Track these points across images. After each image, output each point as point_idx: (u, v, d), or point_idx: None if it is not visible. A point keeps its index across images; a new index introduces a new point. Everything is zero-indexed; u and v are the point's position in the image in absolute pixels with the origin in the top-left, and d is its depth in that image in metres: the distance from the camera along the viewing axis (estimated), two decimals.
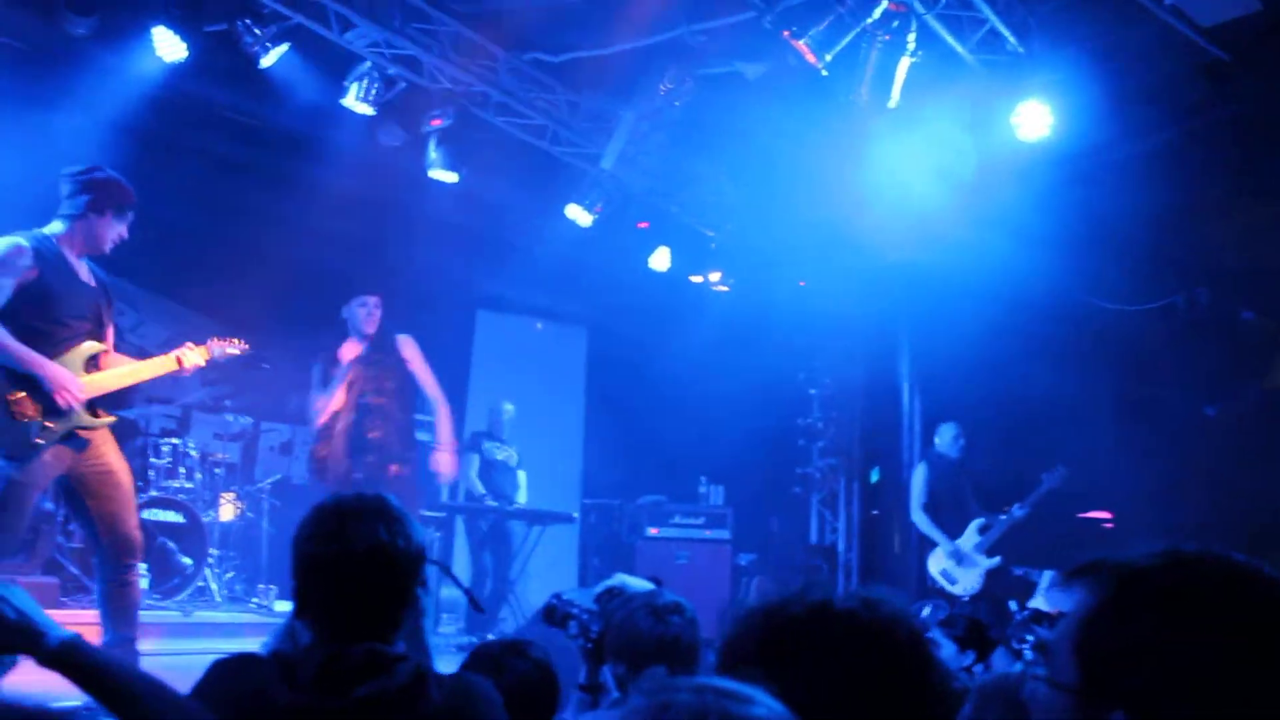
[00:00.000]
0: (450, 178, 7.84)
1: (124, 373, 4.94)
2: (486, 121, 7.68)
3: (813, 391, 10.72)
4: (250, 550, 8.60)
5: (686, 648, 2.86)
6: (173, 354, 5.14)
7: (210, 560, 7.92)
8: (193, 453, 8.25)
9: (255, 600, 8.15)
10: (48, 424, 4.56)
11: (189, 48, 6.63)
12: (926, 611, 7.30)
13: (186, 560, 7.66)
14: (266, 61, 6.78)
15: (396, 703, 2.07)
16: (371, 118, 7.45)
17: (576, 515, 9.89)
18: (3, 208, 8.69)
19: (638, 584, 3.18)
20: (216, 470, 8.46)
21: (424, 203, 8.81)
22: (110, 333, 4.94)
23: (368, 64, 7.09)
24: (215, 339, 5.33)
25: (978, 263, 7.95)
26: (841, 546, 10.43)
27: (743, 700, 1.15)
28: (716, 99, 7.55)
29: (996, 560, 7.98)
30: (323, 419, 6.32)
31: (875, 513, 10.32)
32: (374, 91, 7.16)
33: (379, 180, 8.53)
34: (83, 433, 4.66)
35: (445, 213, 8.97)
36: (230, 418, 8.93)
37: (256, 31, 6.64)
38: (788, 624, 1.46)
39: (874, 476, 10.40)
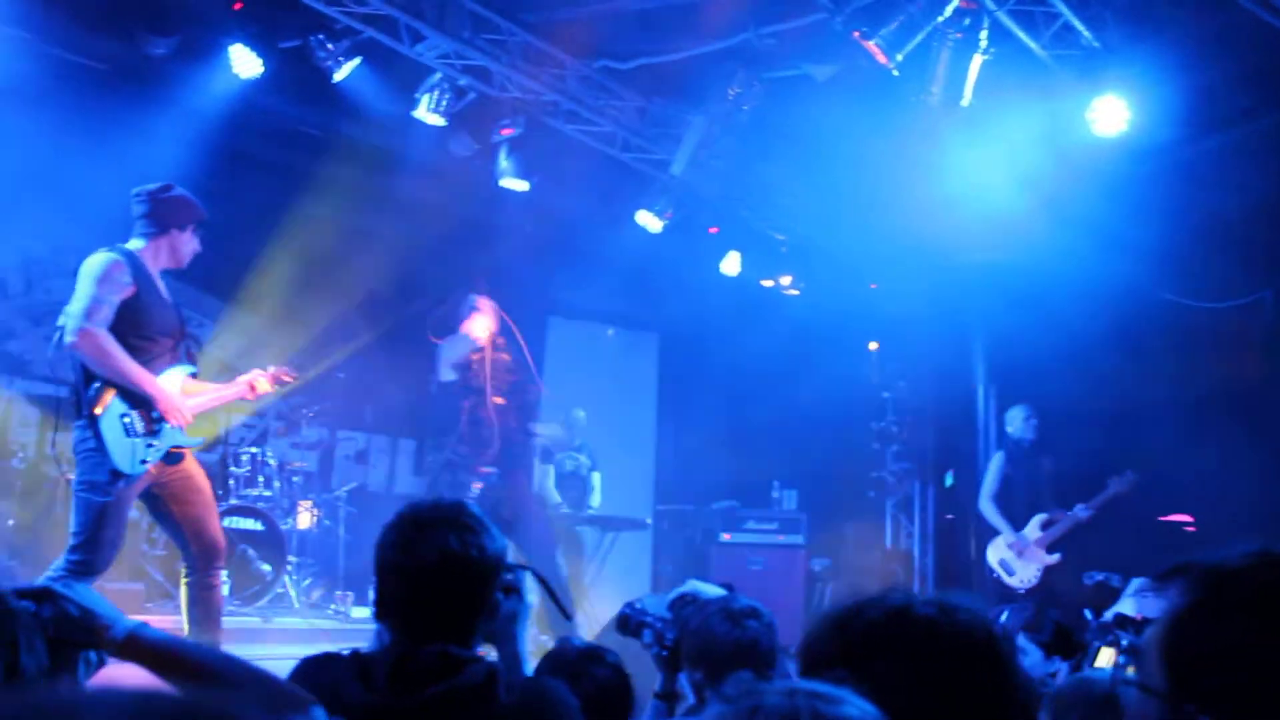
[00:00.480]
0: (521, 186, 7.90)
1: (213, 397, 5.11)
2: (556, 129, 7.72)
3: (886, 395, 10.61)
4: (328, 557, 8.71)
5: (764, 652, 2.84)
6: (245, 380, 5.30)
7: (289, 567, 8.04)
8: (271, 461, 8.38)
9: (333, 607, 8.26)
10: (153, 442, 4.69)
11: (264, 64, 6.75)
12: (1005, 616, 7.21)
13: (265, 567, 7.78)
14: (339, 76, 6.89)
15: (465, 702, 2.10)
16: (442, 128, 7.53)
17: (649, 521, 9.90)
18: (86, 224, 8.95)
19: (710, 590, 3.17)
20: (294, 478, 8.58)
21: (495, 211, 8.89)
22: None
23: (438, 75, 7.17)
24: (273, 367, 5.45)
25: (1054, 262, 7.82)
26: (917, 551, 10.31)
27: (833, 701, 1.15)
28: (786, 102, 7.51)
29: (1056, 557, 7.85)
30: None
31: (950, 517, 10.18)
32: (445, 102, 7.24)
33: (450, 190, 8.61)
34: (176, 450, 4.78)
35: (516, 221, 9.04)
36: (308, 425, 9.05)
37: (329, 47, 6.76)
38: (866, 628, 1.45)
39: (949, 480, 10.27)
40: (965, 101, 6.13)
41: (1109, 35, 6.04)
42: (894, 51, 5.79)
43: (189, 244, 5.01)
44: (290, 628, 7.47)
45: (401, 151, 8.14)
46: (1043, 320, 8.08)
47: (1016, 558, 7.97)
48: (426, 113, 7.26)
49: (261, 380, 5.30)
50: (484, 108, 7.51)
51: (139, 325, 4.71)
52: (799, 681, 1.20)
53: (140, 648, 1.96)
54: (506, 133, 7.62)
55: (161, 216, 4.92)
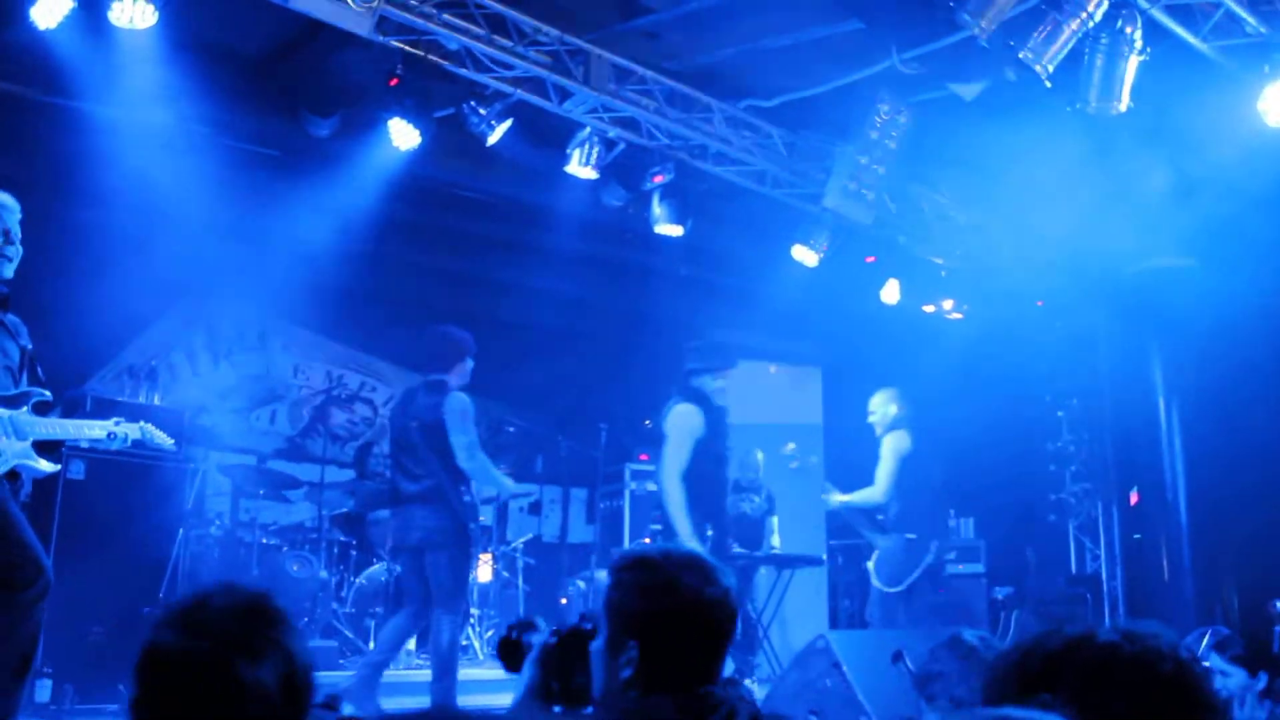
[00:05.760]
0: (675, 231, 7.95)
1: None
2: (706, 172, 7.79)
3: (1060, 414, 10.28)
4: (508, 608, 8.87)
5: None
6: None
7: (471, 619, 8.20)
8: None
9: None
10: None
11: (421, 134, 6.99)
12: (1206, 640, 6.85)
13: None
14: (493, 139, 7.06)
15: None
16: (594, 180, 7.67)
17: (824, 557, 9.78)
18: (265, 301, 9.42)
19: None
20: None
21: (651, 257, 9.00)
22: None
23: (587, 130, 7.32)
24: None
25: (1230, 264, 7.49)
26: (1105, 575, 9.92)
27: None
28: (934, 124, 7.43)
29: None
30: None
31: (1138, 537, 9.76)
32: (595, 155, 7.38)
33: (605, 240, 8.76)
34: None
35: (672, 265, 9.14)
36: None
37: (481, 111, 6.95)
38: (1045, 659, 1.43)
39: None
40: (1123, 106, 5.95)
41: (1277, 20, 5.79)
42: (1044, 61, 5.68)
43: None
44: (476, 678, 7.59)
45: (555, 206, 8.30)
46: (1225, 325, 7.74)
47: None
48: (578, 167, 7.41)
49: None
50: (633, 156, 7.62)
51: None
52: (994, 709, 1.19)
53: None
54: (658, 179, 7.69)
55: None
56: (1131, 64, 5.80)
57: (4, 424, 4.22)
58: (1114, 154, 6.98)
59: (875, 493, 7.67)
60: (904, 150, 7.54)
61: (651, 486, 9.72)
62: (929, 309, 9.42)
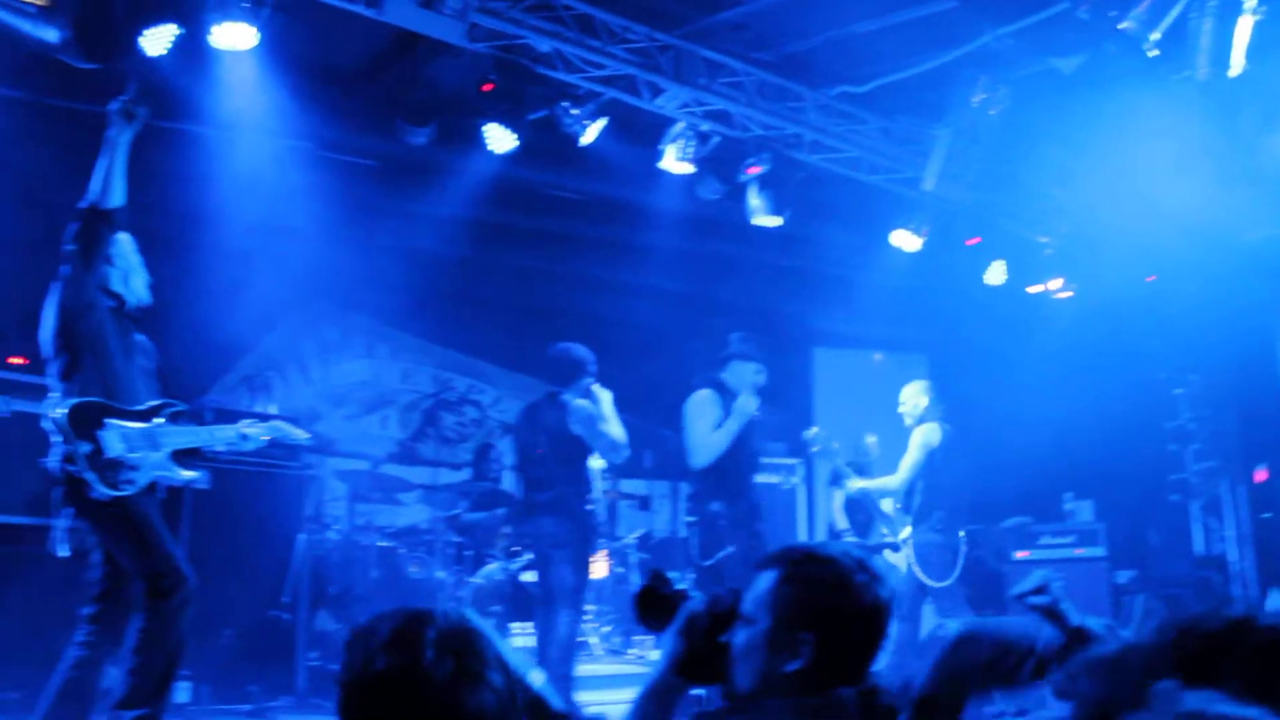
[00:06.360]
0: (774, 222, 7.88)
1: None
2: (802, 161, 7.73)
3: (1178, 391, 9.97)
4: (624, 604, 8.91)
5: None
6: None
7: (588, 615, 8.27)
8: None
9: (633, 651, 8.44)
10: None
11: (517, 138, 7.06)
12: None
13: None
14: (586, 139, 7.09)
15: None
16: (690, 175, 7.66)
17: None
18: (371, 308, 9.62)
19: None
20: None
21: (750, 250, 8.96)
22: None
23: (681, 124, 7.32)
24: None
25: None
26: (1233, 556, 9.59)
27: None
28: (1033, 100, 7.26)
29: None
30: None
31: (1267, 515, 9.43)
32: (690, 150, 7.38)
33: (704, 234, 8.75)
34: None
35: (772, 256, 9.09)
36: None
37: (574, 112, 6.98)
38: (1204, 640, 1.39)
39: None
40: (1235, 71, 5.73)
41: None
42: (1149, 31, 5.51)
43: None
44: (595, 674, 7.66)
45: (652, 202, 8.32)
46: None
47: None
48: (674, 162, 7.40)
49: None
50: (728, 149, 7.59)
51: None
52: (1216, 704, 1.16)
53: None
54: (753, 171, 7.64)
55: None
56: (1244, 25, 5.57)
57: (143, 436, 4.39)
58: (1226, 119, 6.72)
59: (893, 481, 7.64)
60: (1003, 128, 7.39)
61: (771, 478, 9.71)
62: (1035, 289, 9.20)
